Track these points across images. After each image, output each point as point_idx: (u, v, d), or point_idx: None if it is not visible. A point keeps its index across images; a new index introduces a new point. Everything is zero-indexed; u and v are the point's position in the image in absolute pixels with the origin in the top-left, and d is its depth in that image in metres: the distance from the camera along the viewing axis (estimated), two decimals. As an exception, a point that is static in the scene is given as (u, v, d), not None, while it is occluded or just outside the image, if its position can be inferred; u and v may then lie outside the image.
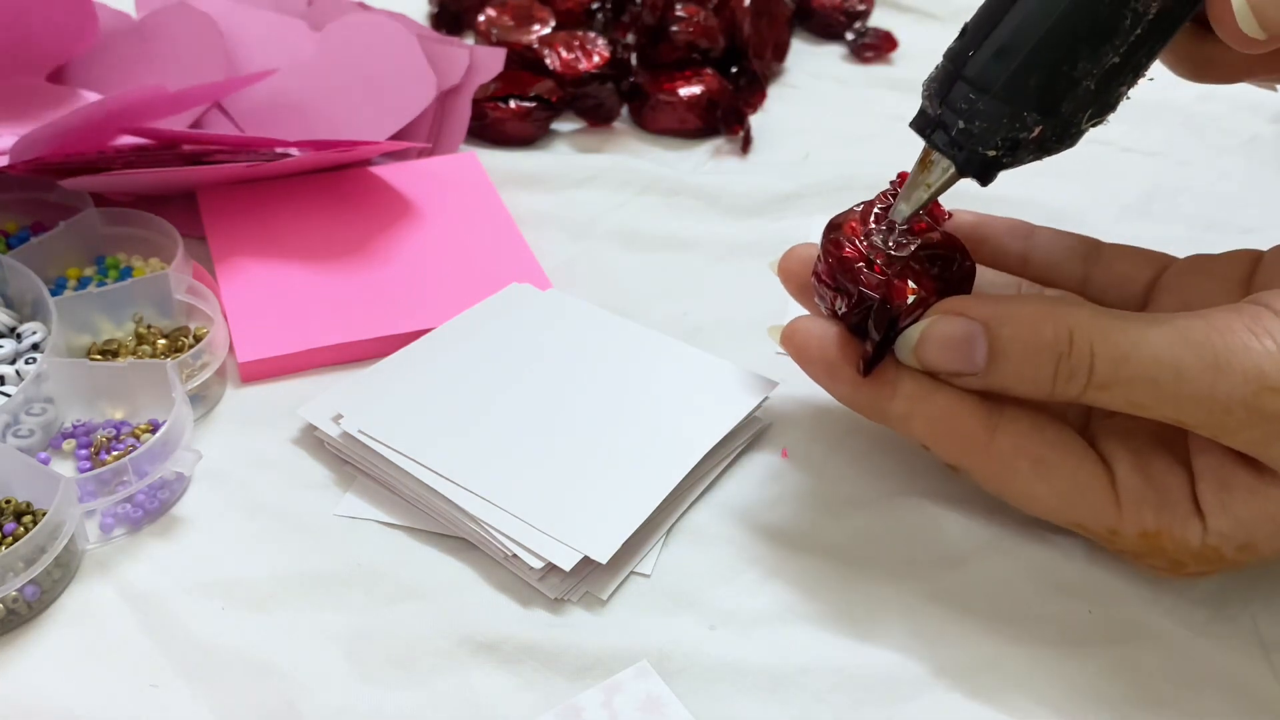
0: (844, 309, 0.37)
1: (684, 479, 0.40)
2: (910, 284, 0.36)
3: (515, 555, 0.37)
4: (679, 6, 0.64)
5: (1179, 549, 0.35)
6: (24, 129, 0.47)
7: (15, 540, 0.36)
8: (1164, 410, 0.33)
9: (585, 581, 0.38)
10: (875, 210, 0.37)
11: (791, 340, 0.38)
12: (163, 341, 0.45)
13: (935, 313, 0.35)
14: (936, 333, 0.35)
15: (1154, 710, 0.35)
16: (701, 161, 0.60)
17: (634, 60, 0.66)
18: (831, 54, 0.72)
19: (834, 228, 0.37)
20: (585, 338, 0.46)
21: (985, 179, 0.34)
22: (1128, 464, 0.35)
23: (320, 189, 0.54)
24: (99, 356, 0.44)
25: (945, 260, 0.37)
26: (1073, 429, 0.37)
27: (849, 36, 0.72)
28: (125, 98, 0.49)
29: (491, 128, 0.60)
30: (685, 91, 0.61)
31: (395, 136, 0.56)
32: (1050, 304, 0.34)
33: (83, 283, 0.48)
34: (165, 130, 0.51)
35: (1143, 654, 0.36)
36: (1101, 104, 0.33)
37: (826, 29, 0.73)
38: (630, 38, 0.67)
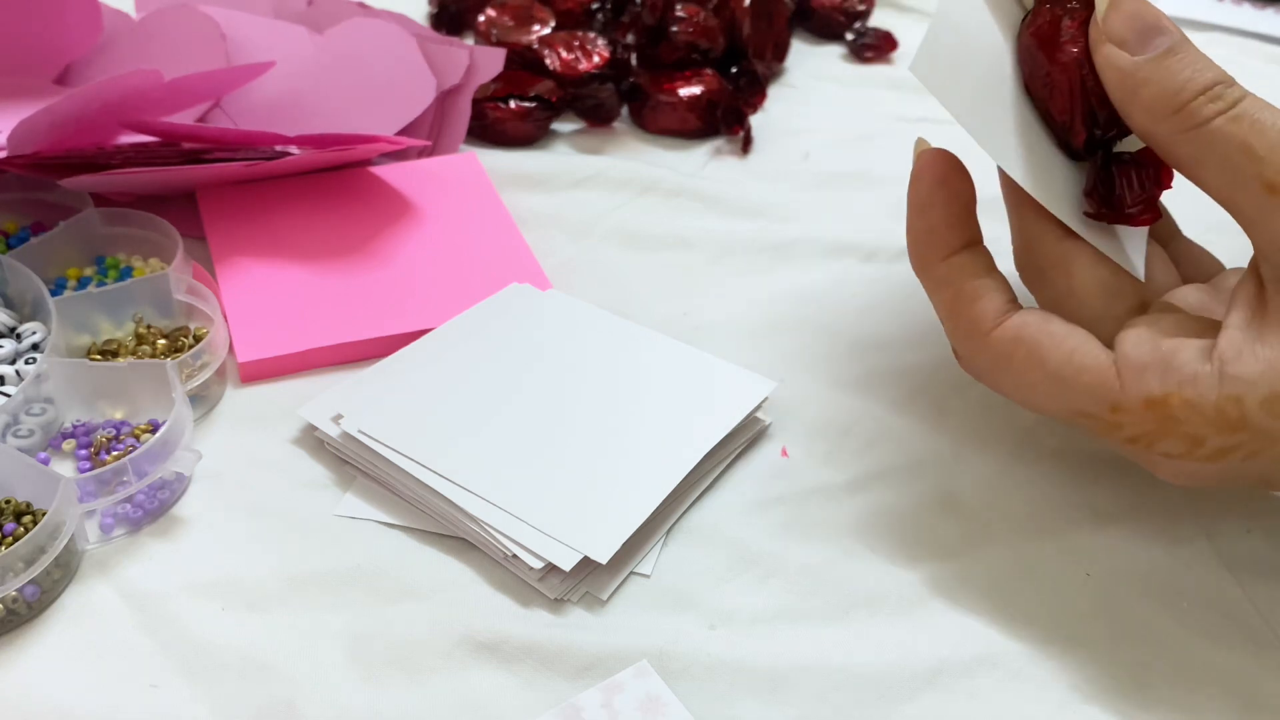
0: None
1: (684, 479, 0.40)
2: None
3: (515, 555, 0.37)
4: (679, 6, 0.64)
5: (1192, 414, 0.33)
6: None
7: (15, 540, 0.36)
8: (1267, 167, 0.32)
9: (585, 581, 0.38)
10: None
11: (920, 158, 0.39)
12: (163, 341, 0.45)
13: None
14: (1141, 6, 0.35)
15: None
16: (701, 162, 0.60)
17: (634, 60, 0.66)
18: (831, 54, 0.72)
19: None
20: (585, 338, 0.46)
21: None
22: (1135, 336, 0.34)
23: (320, 189, 0.54)
24: (99, 356, 0.44)
25: None
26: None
27: (849, 36, 0.72)
28: (121, 83, 0.48)
29: (491, 128, 0.60)
30: (685, 92, 0.61)
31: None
32: None
33: (83, 283, 0.48)
34: (164, 123, 0.51)
35: (1154, 657, 0.36)
36: None
37: (826, 29, 0.73)
38: (630, 38, 0.67)
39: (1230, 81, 0.34)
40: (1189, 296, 0.39)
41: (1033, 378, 0.35)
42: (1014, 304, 0.37)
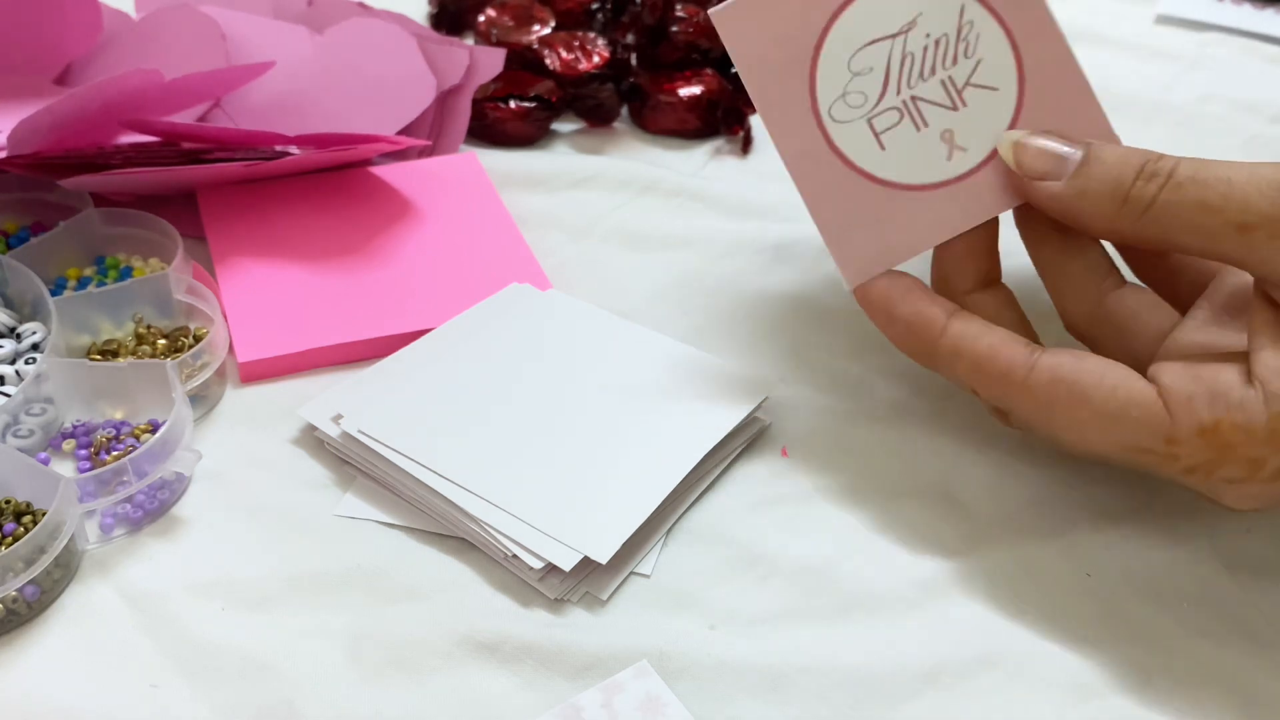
0: None
1: (684, 479, 0.40)
2: None
3: (515, 555, 0.37)
4: (679, 6, 0.64)
5: (1246, 437, 0.33)
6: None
7: (15, 540, 0.36)
8: (1230, 212, 0.33)
9: (585, 581, 0.38)
10: None
11: (865, 290, 0.39)
12: (163, 341, 0.45)
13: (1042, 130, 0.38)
14: (1040, 139, 0.37)
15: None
16: (701, 162, 0.60)
17: (634, 60, 0.66)
18: (831, 54, 0.72)
19: None
20: (585, 338, 0.46)
21: None
22: (1174, 369, 0.35)
23: (320, 189, 0.54)
24: (99, 356, 0.44)
25: None
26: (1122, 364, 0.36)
27: (849, 36, 0.72)
28: (120, 83, 0.48)
29: (491, 128, 0.60)
30: (685, 92, 0.61)
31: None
32: None
33: (83, 283, 0.48)
34: (164, 123, 0.51)
35: (1154, 657, 0.36)
36: None
37: (826, 29, 0.73)
38: (630, 38, 0.67)
39: (1157, 155, 0.35)
40: (1194, 336, 0.39)
41: (1081, 416, 0.35)
42: (1035, 344, 0.37)
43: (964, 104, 0.39)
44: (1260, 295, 0.35)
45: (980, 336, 0.37)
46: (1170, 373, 0.35)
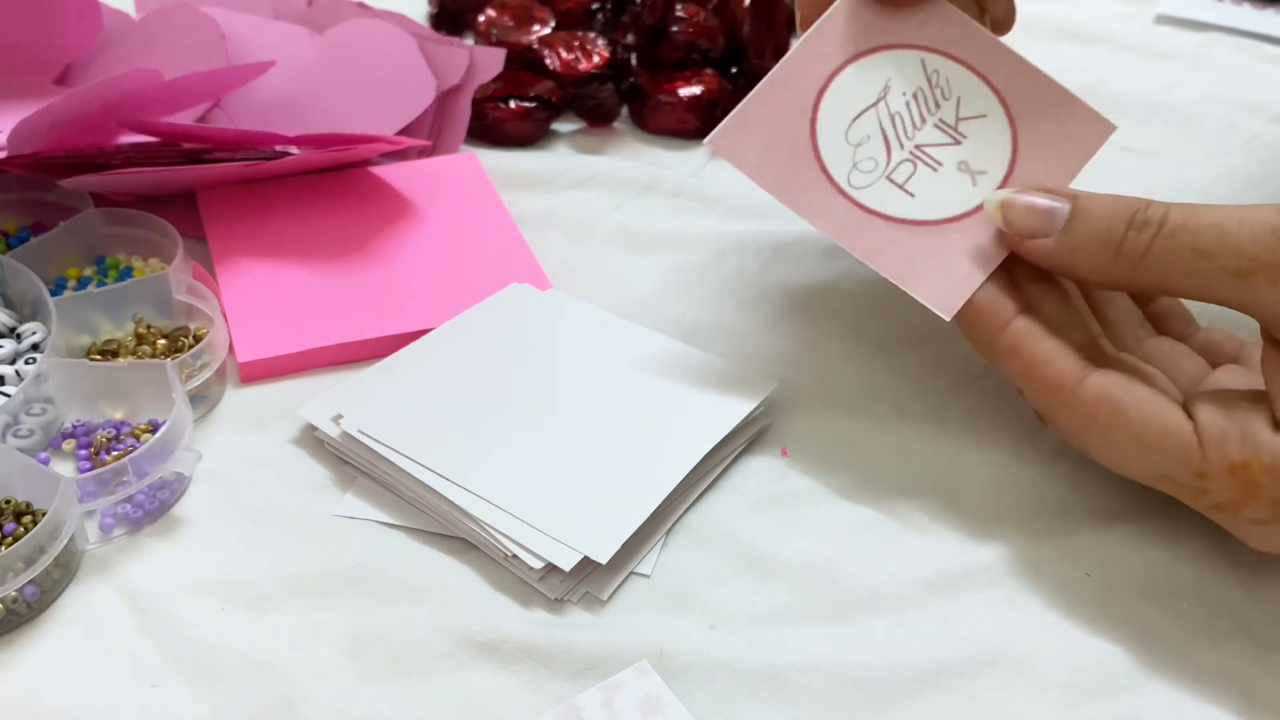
0: None
1: (684, 479, 0.40)
2: None
3: (515, 555, 0.37)
4: (679, 6, 0.64)
5: (1272, 479, 0.34)
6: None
7: (15, 540, 0.36)
8: (1226, 259, 0.34)
9: (585, 581, 0.38)
10: None
11: None
12: (163, 341, 0.45)
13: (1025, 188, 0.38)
14: (1026, 196, 0.37)
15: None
16: (701, 162, 0.60)
17: (634, 60, 0.66)
18: (831, 54, 0.72)
19: None
20: (585, 338, 0.46)
21: None
22: (1210, 407, 0.35)
23: (320, 189, 0.54)
24: (99, 356, 0.44)
25: None
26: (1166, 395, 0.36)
27: (849, 36, 0.72)
28: (121, 84, 0.49)
29: (491, 128, 0.60)
30: (685, 92, 0.61)
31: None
32: None
33: (83, 283, 0.48)
34: (164, 124, 0.51)
35: (1154, 658, 0.36)
36: None
37: (826, 29, 0.73)
38: (630, 38, 0.67)
39: (1145, 203, 0.35)
40: (1227, 379, 0.39)
41: (1118, 438, 0.36)
42: (1090, 363, 0.37)
43: (964, 136, 0.40)
44: (1270, 341, 0.35)
45: (1040, 340, 0.37)
46: (1207, 409, 0.35)
